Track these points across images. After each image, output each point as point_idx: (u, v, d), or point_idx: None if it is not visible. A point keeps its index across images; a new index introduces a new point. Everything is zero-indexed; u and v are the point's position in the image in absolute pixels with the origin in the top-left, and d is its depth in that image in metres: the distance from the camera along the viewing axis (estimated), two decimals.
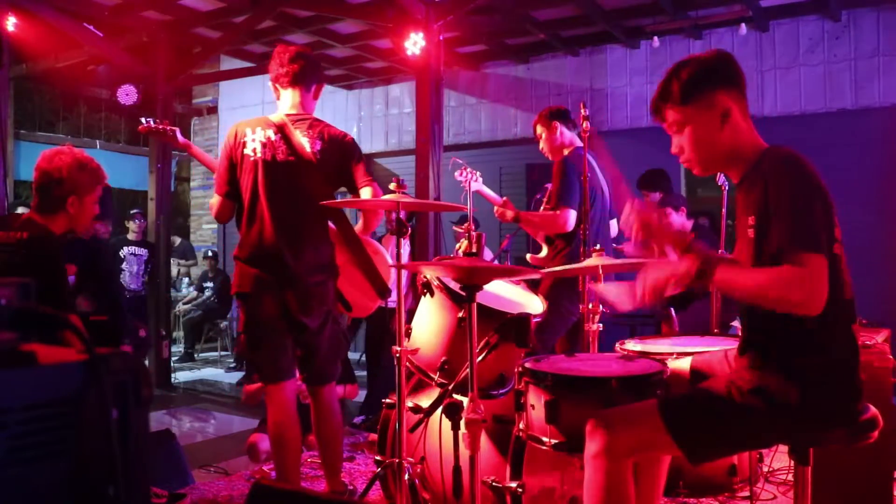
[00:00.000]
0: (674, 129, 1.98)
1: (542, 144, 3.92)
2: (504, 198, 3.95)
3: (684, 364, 2.30)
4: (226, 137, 2.99)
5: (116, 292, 2.51)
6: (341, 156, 2.95)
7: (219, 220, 3.06)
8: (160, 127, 3.37)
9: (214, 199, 3.01)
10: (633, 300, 1.85)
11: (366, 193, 2.89)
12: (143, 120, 3.43)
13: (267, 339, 2.93)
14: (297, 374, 3.06)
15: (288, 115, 2.98)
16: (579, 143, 3.82)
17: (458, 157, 4.14)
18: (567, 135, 3.84)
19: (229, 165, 2.94)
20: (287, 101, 3.02)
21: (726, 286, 1.80)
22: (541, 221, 3.79)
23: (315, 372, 3.02)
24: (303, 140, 2.91)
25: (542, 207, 3.89)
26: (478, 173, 4.01)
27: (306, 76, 3.01)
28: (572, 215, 3.62)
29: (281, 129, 2.92)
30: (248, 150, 2.90)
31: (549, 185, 3.96)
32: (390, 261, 3.21)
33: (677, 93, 1.92)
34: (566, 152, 3.78)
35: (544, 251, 3.87)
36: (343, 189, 3.05)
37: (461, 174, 3.94)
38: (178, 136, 3.36)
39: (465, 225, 3.14)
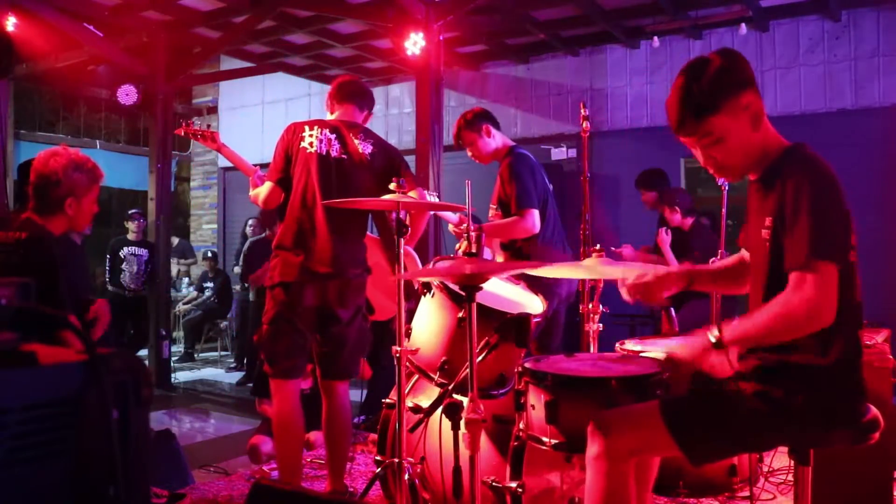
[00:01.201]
0: (704, 142, 1.85)
1: (471, 151, 3.71)
2: (458, 215, 3.75)
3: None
4: (283, 131, 3.13)
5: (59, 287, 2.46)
6: (391, 160, 3.15)
7: (266, 206, 3.16)
8: (200, 129, 3.49)
9: (262, 188, 3.10)
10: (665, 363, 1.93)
11: (413, 195, 2.96)
12: (181, 122, 3.51)
13: (290, 336, 2.99)
14: (314, 370, 3.15)
15: (341, 120, 3.17)
16: (511, 143, 3.72)
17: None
18: (499, 136, 3.69)
19: (285, 157, 3.07)
20: (341, 112, 3.22)
21: (741, 342, 1.79)
22: (507, 227, 3.54)
23: (338, 366, 3.09)
24: (356, 141, 3.11)
25: (490, 214, 3.69)
26: (434, 192, 3.82)
27: (361, 95, 3.26)
28: (536, 216, 3.48)
29: (336, 129, 3.11)
30: (305, 143, 3.05)
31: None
32: (420, 265, 3.28)
33: (704, 102, 1.79)
34: (508, 152, 3.63)
35: (499, 259, 3.71)
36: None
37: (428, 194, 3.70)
38: (218, 138, 3.51)
39: (464, 226, 3.14)
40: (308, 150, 3.04)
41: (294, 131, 3.09)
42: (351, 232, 3.06)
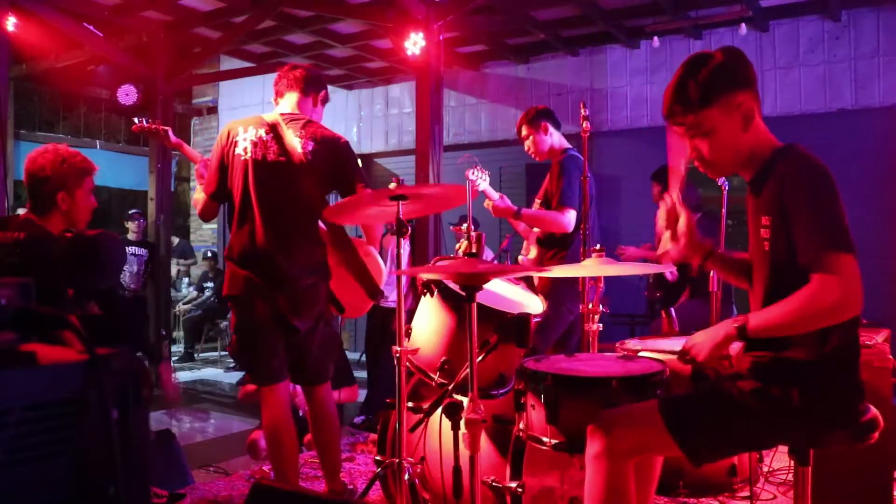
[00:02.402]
0: (691, 133, 1.88)
1: (528, 146, 3.84)
2: (501, 194, 3.90)
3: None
4: (218, 137, 2.96)
5: None
6: (334, 159, 2.90)
7: (202, 219, 3.05)
8: (153, 126, 3.41)
9: (200, 196, 2.98)
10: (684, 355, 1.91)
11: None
12: (135, 119, 3.49)
13: (258, 342, 2.90)
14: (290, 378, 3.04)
15: (282, 114, 2.96)
16: (568, 144, 3.83)
17: (473, 156, 4.10)
18: (556, 135, 3.82)
19: (220, 165, 2.91)
20: (284, 102, 3.02)
21: (766, 331, 1.78)
22: (545, 219, 3.68)
23: (308, 373, 3.00)
24: (294, 140, 2.87)
25: (534, 206, 3.84)
26: (487, 173, 3.97)
27: (305, 82, 3.01)
28: (574, 216, 3.60)
29: (273, 128, 2.88)
30: (238, 150, 2.87)
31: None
32: (381, 262, 3.23)
33: (697, 96, 1.82)
34: (563, 152, 3.76)
35: (533, 253, 3.84)
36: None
37: (472, 173, 3.89)
38: (171, 135, 3.39)
39: (466, 226, 3.14)
40: (243, 157, 2.84)
41: (228, 136, 2.90)
42: (298, 239, 2.86)
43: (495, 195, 3.90)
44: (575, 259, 3.56)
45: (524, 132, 3.83)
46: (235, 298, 2.90)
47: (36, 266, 2.43)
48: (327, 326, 3.03)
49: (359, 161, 3.04)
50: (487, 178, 3.96)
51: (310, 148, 2.87)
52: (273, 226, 2.83)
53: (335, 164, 2.90)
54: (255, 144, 2.86)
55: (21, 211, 5.33)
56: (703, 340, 1.86)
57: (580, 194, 3.58)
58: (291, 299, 2.84)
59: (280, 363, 2.95)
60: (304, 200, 2.86)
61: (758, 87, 1.91)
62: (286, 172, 2.84)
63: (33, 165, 2.60)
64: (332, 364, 3.13)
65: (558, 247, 3.72)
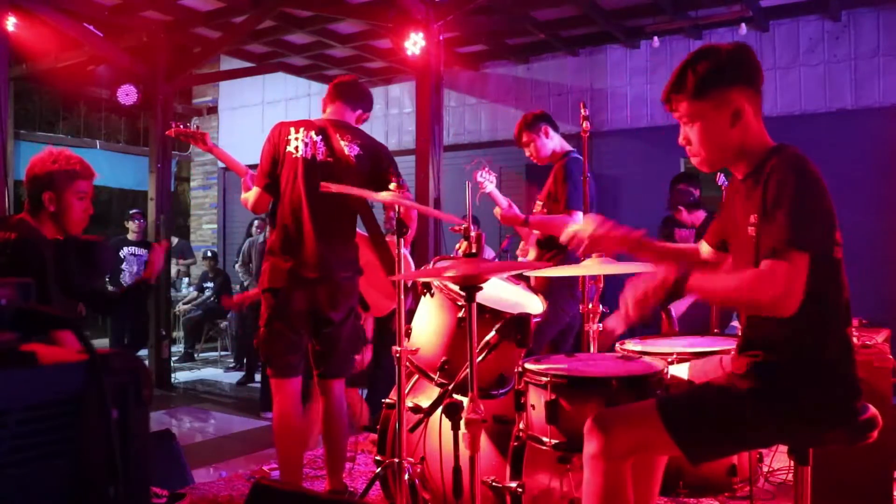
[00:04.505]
0: (684, 120, 1.93)
1: (529, 151, 3.85)
2: (508, 200, 3.90)
3: (682, 371, 2.31)
4: (269, 133, 3.11)
5: None
6: (377, 161, 3.11)
7: (255, 211, 3.22)
8: (190, 130, 3.51)
9: (251, 193, 3.13)
10: (626, 319, 1.89)
11: (386, 192, 2.93)
12: (172, 124, 3.56)
13: (286, 336, 3.02)
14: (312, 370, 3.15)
15: (330, 119, 3.15)
16: (569, 147, 3.83)
17: (482, 159, 4.10)
18: (557, 138, 3.82)
19: (272, 161, 3.06)
20: (331, 110, 3.21)
21: (700, 291, 1.83)
22: (553, 223, 3.65)
23: (332, 365, 3.11)
24: (342, 143, 3.07)
25: (535, 208, 3.85)
26: (494, 175, 3.98)
27: (351, 94, 3.22)
28: (581, 218, 3.58)
29: (323, 131, 3.08)
30: (290, 148, 3.03)
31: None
32: (412, 263, 3.30)
33: (691, 86, 1.86)
34: (565, 155, 3.76)
35: (532, 254, 3.84)
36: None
37: (481, 174, 3.89)
38: (208, 139, 3.52)
39: (465, 226, 3.14)
40: (294, 155, 3.03)
41: (280, 134, 3.08)
42: (339, 234, 3.06)
43: (504, 202, 3.91)
44: (572, 261, 3.57)
45: (524, 138, 3.83)
46: (276, 291, 3.01)
47: (23, 267, 2.42)
48: (356, 320, 3.18)
49: (396, 164, 3.19)
50: (494, 180, 3.97)
51: (356, 152, 3.08)
52: (319, 222, 2.99)
53: (378, 165, 3.11)
54: (306, 144, 3.04)
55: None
56: (638, 287, 1.85)
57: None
58: (330, 291, 3.01)
59: (299, 359, 3.08)
60: (348, 200, 3.00)
61: (761, 85, 1.92)
62: (334, 172, 3.00)
63: (29, 167, 2.61)
64: (353, 360, 3.26)
65: (557, 248, 3.72)
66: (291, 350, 3.05)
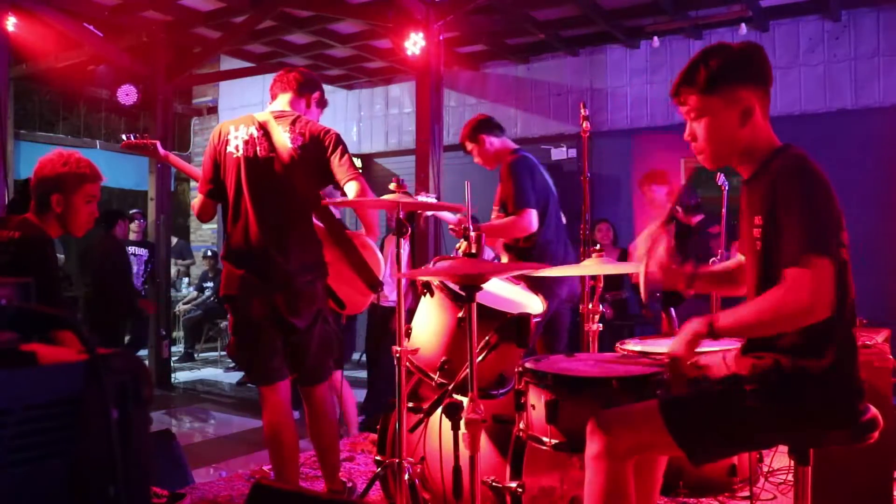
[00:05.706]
0: (692, 115, 1.91)
1: (476, 159, 3.84)
2: (458, 216, 3.78)
3: None
4: (211, 136, 2.98)
5: None
6: (321, 151, 2.88)
7: (200, 220, 3.09)
8: (140, 142, 3.48)
9: (196, 199, 3.02)
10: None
11: (350, 188, 2.80)
12: (123, 136, 3.57)
13: (257, 342, 2.90)
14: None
15: (272, 112, 2.97)
16: (513, 146, 3.79)
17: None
18: (497, 142, 3.77)
19: (213, 165, 2.93)
20: (277, 102, 3.04)
21: (734, 330, 1.80)
22: (505, 227, 3.59)
23: (306, 372, 2.97)
24: (283, 136, 2.87)
25: (492, 216, 3.77)
26: (432, 195, 3.89)
27: (299, 83, 3.03)
28: (534, 215, 3.53)
29: (263, 126, 2.90)
30: (230, 148, 2.89)
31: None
32: (379, 253, 3.23)
33: (703, 80, 1.85)
34: (510, 154, 3.69)
35: (504, 260, 3.75)
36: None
37: (421, 195, 3.75)
38: (159, 148, 3.47)
39: (465, 226, 3.13)
40: (235, 155, 2.87)
41: (219, 135, 2.92)
42: (293, 237, 2.86)
43: (452, 218, 3.84)
44: (544, 254, 3.55)
45: (468, 147, 3.82)
46: (232, 298, 2.90)
47: (27, 265, 2.43)
48: (326, 325, 3.00)
49: (346, 149, 2.93)
50: (434, 199, 3.83)
51: (298, 143, 2.87)
52: (267, 223, 2.83)
53: (322, 156, 2.87)
54: (245, 142, 2.88)
55: None
56: (677, 341, 1.87)
57: (536, 190, 3.56)
58: (289, 297, 2.84)
59: (279, 363, 2.95)
60: (297, 196, 2.87)
61: (771, 85, 1.91)
62: (277, 169, 2.85)
63: (38, 167, 2.61)
64: (331, 363, 3.11)
65: (525, 249, 3.62)
66: (267, 355, 2.91)
